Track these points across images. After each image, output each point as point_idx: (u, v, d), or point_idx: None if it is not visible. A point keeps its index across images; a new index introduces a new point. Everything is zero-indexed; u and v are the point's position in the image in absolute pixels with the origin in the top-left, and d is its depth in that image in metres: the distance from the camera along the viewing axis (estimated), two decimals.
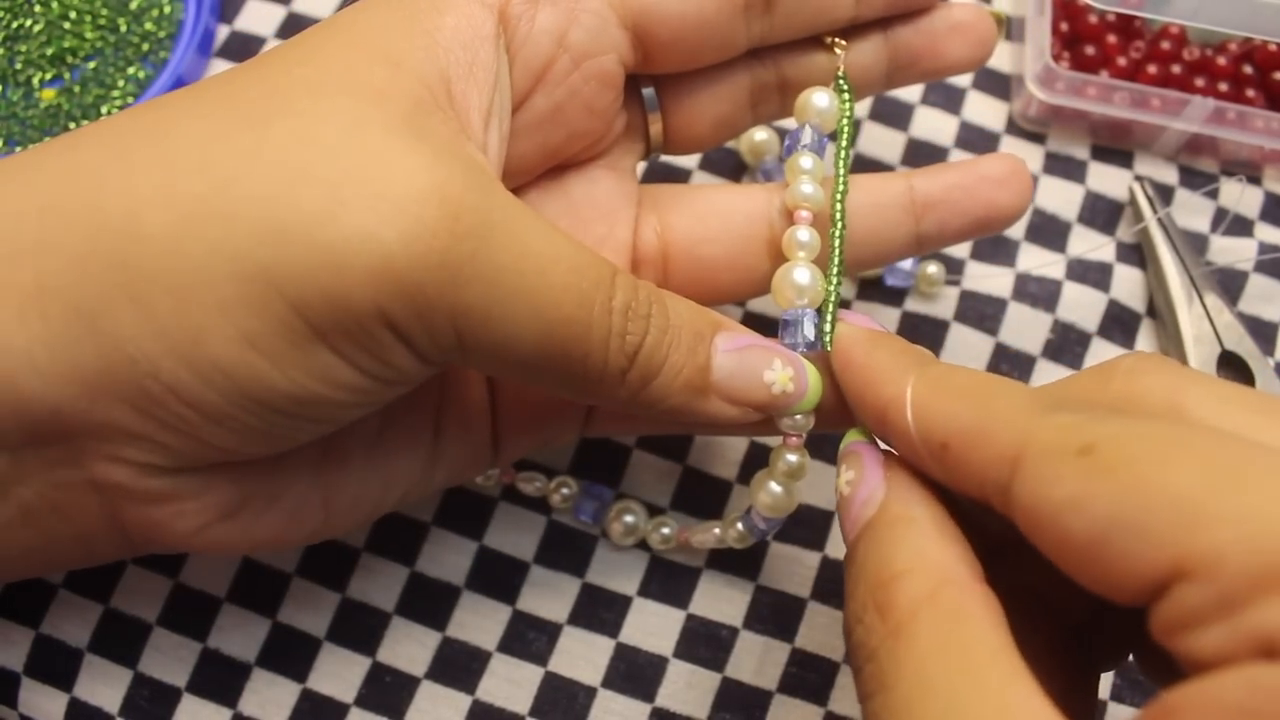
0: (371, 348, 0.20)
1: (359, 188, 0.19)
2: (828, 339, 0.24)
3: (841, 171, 0.27)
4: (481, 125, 0.22)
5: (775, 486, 0.25)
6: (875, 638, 0.19)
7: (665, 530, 0.30)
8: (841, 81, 0.27)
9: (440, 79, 0.22)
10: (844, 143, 0.27)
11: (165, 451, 0.20)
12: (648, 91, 0.27)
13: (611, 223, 0.27)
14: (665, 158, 0.35)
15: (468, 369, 0.26)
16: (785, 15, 0.26)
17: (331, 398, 0.20)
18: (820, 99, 0.27)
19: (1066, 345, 0.34)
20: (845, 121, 0.27)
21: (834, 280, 0.25)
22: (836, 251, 0.26)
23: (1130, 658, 0.23)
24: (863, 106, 0.37)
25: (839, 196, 0.26)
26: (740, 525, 0.27)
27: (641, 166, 0.35)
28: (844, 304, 0.34)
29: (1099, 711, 0.30)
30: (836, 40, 0.28)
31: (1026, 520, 0.18)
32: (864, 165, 0.37)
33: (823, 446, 0.32)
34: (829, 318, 0.25)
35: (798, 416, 0.24)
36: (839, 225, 0.26)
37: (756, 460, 0.32)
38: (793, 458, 0.25)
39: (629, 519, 0.30)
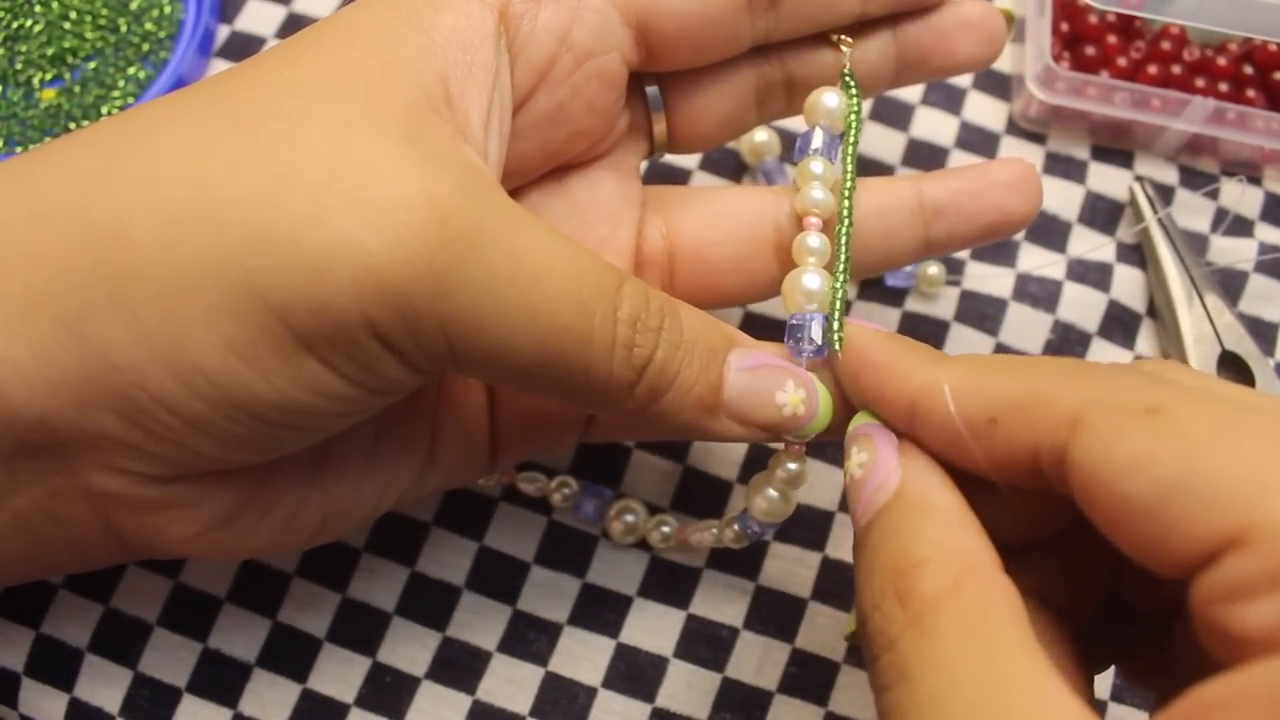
0: (359, 357, 0.19)
1: (344, 192, 0.19)
2: (835, 339, 0.24)
3: (848, 169, 0.26)
4: (481, 126, 0.22)
5: (772, 492, 0.25)
6: (895, 627, 0.18)
7: (665, 529, 0.30)
8: (848, 79, 0.27)
9: (438, 80, 0.21)
10: (851, 139, 0.27)
11: (155, 460, 0.20)
12: (651, 90, 0.27)
13: (614, 224, 0.27)
14: (666, 157, 0.35)
15: (466, 377, 0.26)
16: (790, 11, 0.26)
17: (319, 407, 0.20)
18: (830, 99, 0.27)
19: (1067, 345, 0.34)
20: (853, 119, 0.27)
21: (840, 280, 0.25)
22: (843, 249, 0.25)
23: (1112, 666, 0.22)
24: (863, 106, 0.37)
25: (846, 194, 0.26)
26: (736, 527, 0.27)
27: (643, 166, 0.35)
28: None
29: (1100, 712, 0.30)
30: (842, 37, 0.27)
31: (1083, 482, 0.17)
32: (864, 165, 0.37)
33: (824, 448, 0.32)
34: (835, 320, 0.24)
35: None
36: (845, 224, 0.26)
37: (757, 461, 0.32)
38: (793, 466, 0.25)
39: (629, 518, 0.30)
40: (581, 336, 0.20)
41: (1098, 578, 0.21)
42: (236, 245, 0.18)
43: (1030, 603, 0.20)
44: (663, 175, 0.36)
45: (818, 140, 0.26)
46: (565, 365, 0.21)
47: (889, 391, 0.22)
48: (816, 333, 0.24)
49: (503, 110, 0.23)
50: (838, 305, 0.24)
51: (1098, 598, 0.22)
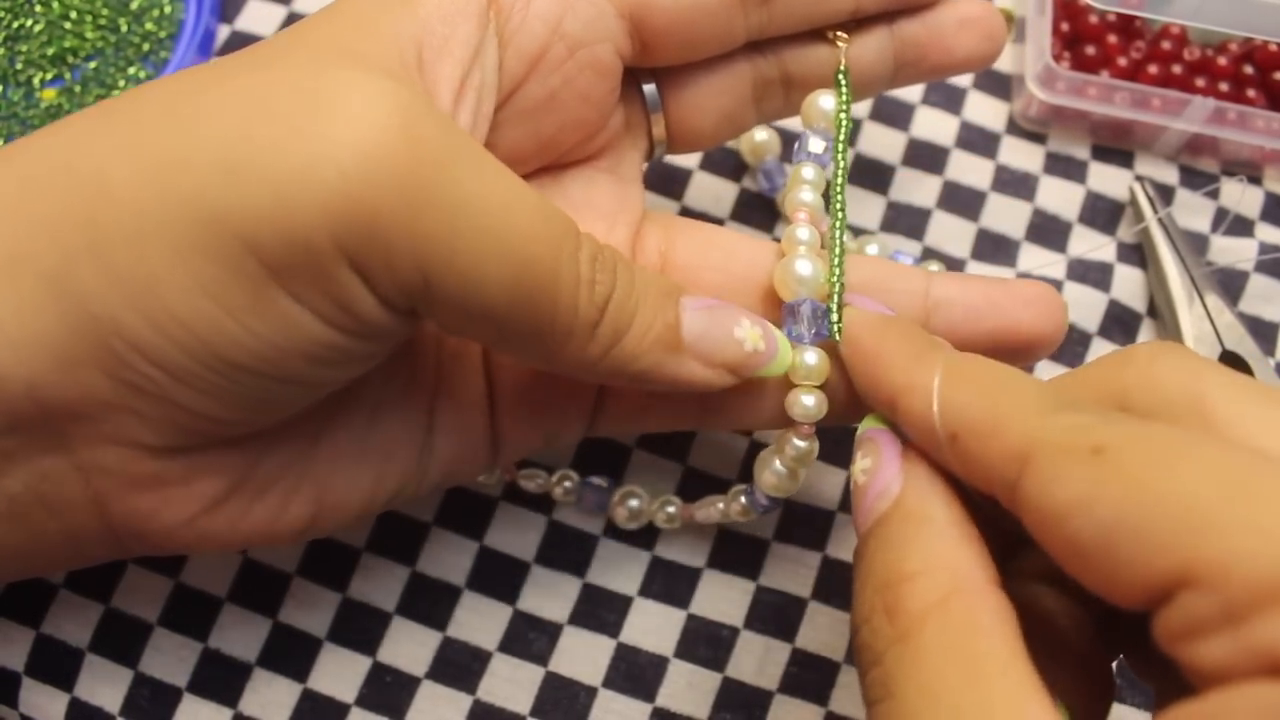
0: (331, 290, 0.19)
1: (316, 113, 0.19)
2: (835, 328, 0.24)
3: (841, 162, 0.27)
4: (449, 98, 0.22)
5: (780, 466, 0.25)
6: (882, 641, 0.18)
7: (670, 509, 0.30)
8: (841, 76, 0.27)
9: (413, 46, 0.22)
10: (842, 136, 0.27)
11: (149, 424, 0.20)
12: (649, 88, 0.27)
13: (611, 223, 0.27)
14: (667, 157, 0.35)
15: (445, 333, 0.25)
16: (783, 6, 0.26)
17: (296, 350, 0.20)
18: (826, 102, 0.27)
19: (1067, 345, 0.34)
20: (843, 114, 0.27)
21: (836, 269, 0.25)
22: (838, 241, 0.26)
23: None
24: (863, 106, 0.37)
25: (839, 188, 0.26)
26: (743, 499, 0.27)
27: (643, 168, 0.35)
28: None
29: None
30: (838, 34, 0.27)
31: (1033, 519, 0.17)
32: (864, 166, 0.37)
33: (827, 445, 0.32)
34: (835, 307, 0.24)
35: (808, 403, 0.24)
36: (839, 216, 0.26)
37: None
38: (801, 443, 0.25)
39: (633, 503, 0.30)
40: (550, 271, 0.20)
41: None
42: (204, 181, 0.18)
43: (1057, 586, 0.20)
44: (663, 175, 0.36)
45: (811, 144, 0.26)
46: (534, 303, 0.20)
47: (877, 381, 0.22)
48: (813, 316, 0.24)
49: (483, 89, 0.23)
50: (836, 296, 0.25)
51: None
